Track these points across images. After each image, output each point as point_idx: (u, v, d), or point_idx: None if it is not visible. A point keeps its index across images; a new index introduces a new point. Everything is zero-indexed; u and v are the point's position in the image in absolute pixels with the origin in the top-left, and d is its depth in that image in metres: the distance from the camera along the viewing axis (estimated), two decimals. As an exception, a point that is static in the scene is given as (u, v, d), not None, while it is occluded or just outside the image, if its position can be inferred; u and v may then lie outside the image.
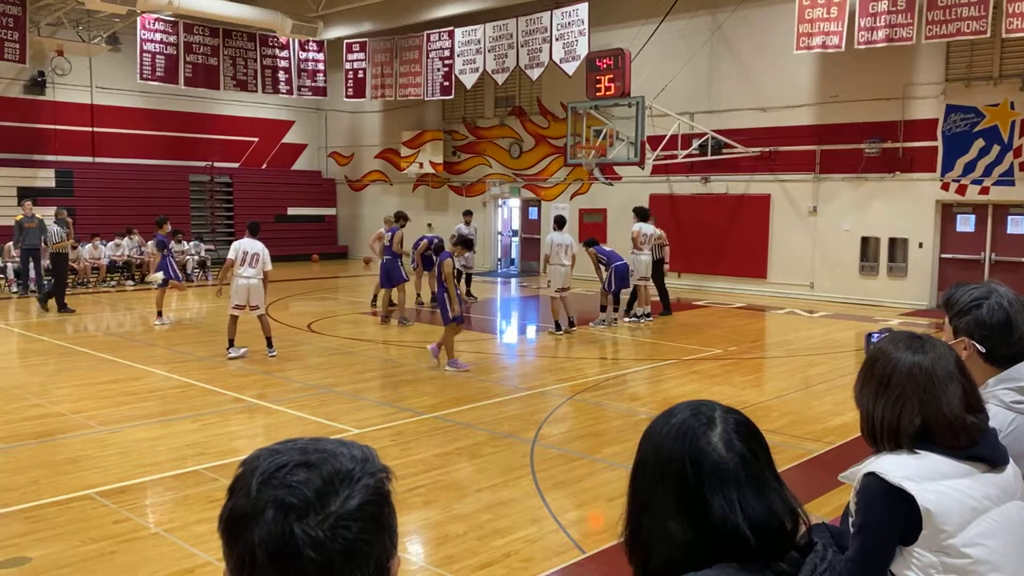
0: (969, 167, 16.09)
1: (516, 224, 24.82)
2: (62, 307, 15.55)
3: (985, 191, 15.99)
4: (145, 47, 21.04)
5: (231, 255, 11.35)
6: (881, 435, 2.06)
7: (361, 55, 23.20)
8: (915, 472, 1.96)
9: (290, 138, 28.32)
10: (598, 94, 17.35)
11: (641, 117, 16.70)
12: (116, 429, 7.78)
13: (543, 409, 8.63)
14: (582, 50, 18.20)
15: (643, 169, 18.77)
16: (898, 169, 16.92)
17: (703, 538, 1.34)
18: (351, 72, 23.40)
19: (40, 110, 22.71)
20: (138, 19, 20.69)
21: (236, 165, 26.74)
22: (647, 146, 17.49)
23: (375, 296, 15.71)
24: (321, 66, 24.22)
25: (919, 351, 2.05)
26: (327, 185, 28.80)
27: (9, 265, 18.63)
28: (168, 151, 25.05)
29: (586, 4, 18.09)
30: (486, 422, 8.10)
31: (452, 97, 22.19)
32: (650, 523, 1.39)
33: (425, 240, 16.08)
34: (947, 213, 16.74)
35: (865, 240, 17.49)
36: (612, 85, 17.09)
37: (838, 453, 7.06)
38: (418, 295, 16.58)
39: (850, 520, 2.05)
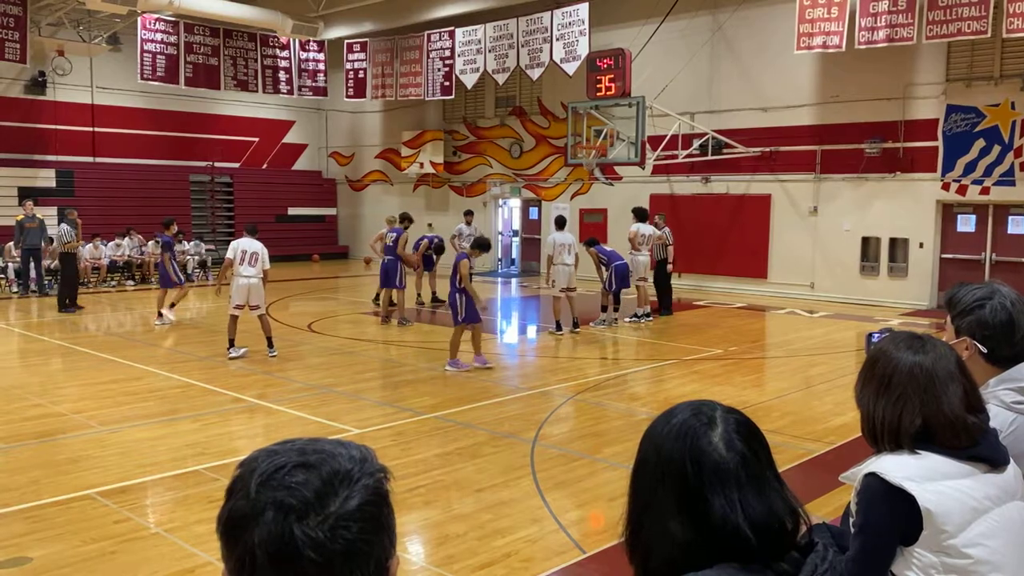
0: (970, 167, 16.09)
1: (516, 224, 24.82)
2: (63, 306, 15.56)
3: (986, 191, 15.98)
4: (146, 47, 21.04)
5: (229, 254, 11.36)
6: (882, 435, 2.06)
7: (362, 55, 23.20)
8: (916, 472, 1.96)
9: (291, 138, 28.32)
10: (599, 94, 17.35)
11: (642, 117, 16.69)
12: (116, 429, 7.78)
13: (544, 409, 8.63)
14: (583, 50, 18.20)
15: (643, 169, 18.76)
16: (899, 169, 16.91)
17: (704, 538, 1.34)
18: (351, 72, 23.40)
19: (41, 110, 22.72)
20: (139, 19, 20.69)
21: (237, 165, 26.74)
22: (647, 146, 17.49)
23: (377, 295, 15.71)
24: (322, 66, 24.21)
25: (920, 351, 2.05)
26: (328, 185, 28.80)
27: (10, 265, 18.63)
28: (169, 151, 25.06)
29: (586, 4, 18.09)
30: (487, 422, 8.10)
31: (452, 97, 22.18)
32: (651, 523, 1.39)
33: (426, 240, 16.09)
34: (948, 213, 16.74)
35: (866, 240, 17.49)
36: (613, 85, 17.09)
37: (839, 453, 7.06)
38: (418, 295, 16.58)
39: (851, 520, 2.05)
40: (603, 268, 13.83)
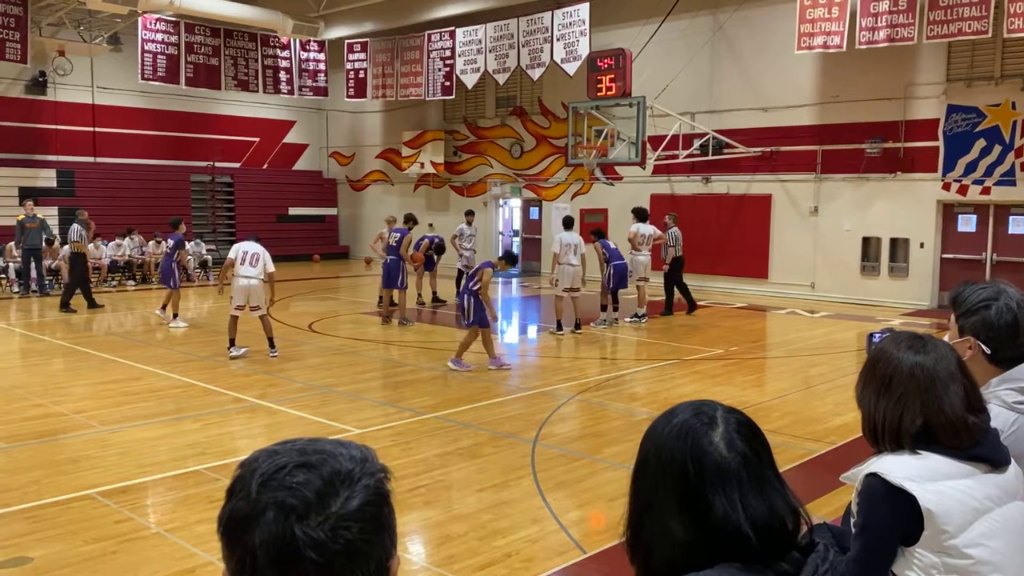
0: (970, 167, 16.08)
1: (517, 224, 24.82)
2: (64, 306, 15.60)
3: (986, 191, 15.97)
4: (146, 47, 21.05)
5: (231, 255, 11.37)
6: (882, 435, 2.06)
7: (362, 55, 23.21)
8: (917, 472, 1.96)
9: (291, 138, 28.33)
10: (599, 94, 17.35)
11: (642, 117, 16.69)
12: (117, 429, 7.78)
13: (544, 409, 8.63)
14: (583, 50, 18.19)
15: (644, 169, 18.76)
16: (899, 169, 16.91)
17: (705, 538, 1.34)
18: (352, 72, 23.40)
19: (41, 110, 22.73)
20: (139, 19, 20.70)
21: (237, 165, 26.75)
22: (648, 146, 17.49)
23: (381, 298, 15.70)
24: (322, 66, 24.22)
25: (921, 351, 2.05)
26: (328, 185, 28.80)
27: (11, 265, 18.64)
28: (169, 151, 25.07)
29: (587, 4, 18.09)
30: (487, 422, 8.10)
31: (453, 97, 22.18)
32: (652, 523, 1.39)
33: (426, 240, 16.07)
34: (948, 213, 16.73)
35: (866, 240, 17.48)
36: (613, 85, 17.09)
37: (839, 453, 7.05)
38: (419, 295, 16.58)
39: (852, 520, 2.05)
40: (605, 264, 13.85)
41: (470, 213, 18.46)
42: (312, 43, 23.83)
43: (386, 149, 26.99)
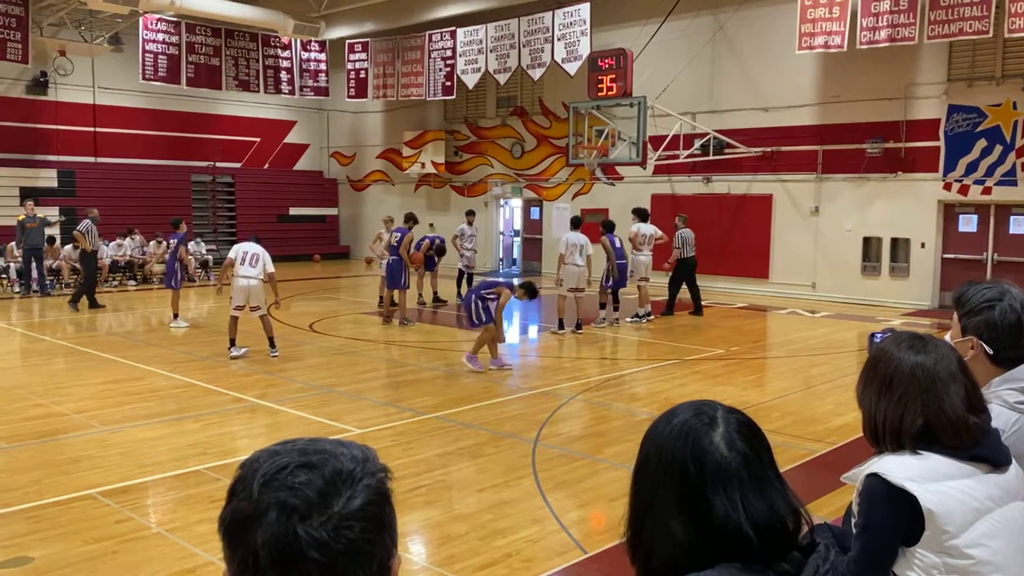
0: (971, 167, 16.08)
1: (518, 224, 24.82)
2: (93, 304, 15.84)
3: (987, 191, 15.97)
4: (147, 47, 21.06)
5: (231, 255, 11.38)
6: (883, 436, 2.06)
7: (363, 55, 23.21)
8: (917, 473, 1.96)
9: (292, 138, 28.33)
10: (600, 94, 17.35)
11: (643, 117, 16.69)
12: (118, 429, 7.78)
13: (545, 409, 8.63)
14: (584, 50, 18.19)
15: (645, 169, 18.76)
16: (900, 169, 16.90)
17: (705, 538, 1.34)
18: (353, 72, 23.40)
19: (42, 110, 22.74)
20: (140, 19, 20.71)
21: (238, 165, 26.76)
22: (649, 146, 17.49)
23: (381, 297, 15.70)
24: (323, 66, 24.23)
25: (921, 351, 2.05)
26: (329, 185, 28.81)
27: (12, 265, 18.65)
28: (170, 151, 25.08)
29: (588, 4, 18.08)
30: (488, 422, 8.10)
31: (454, 97, 22.18)
32: (652, 523, 1.39)
33: (427, 240, 16.07)
34: (949, 213, 16.73)
35: (867, 240, 17.48)
36: (614, 85, 17.09)
37: (840, 453, 7.05)
38: (419, 295, 16.58)
39: (852, 521, 2.05)
40: (608, 261, 13.88)
41: (471, 213, 18.45)
42: (313, 43, 23.84)
43: (387, 149, 27.00)
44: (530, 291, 10.75)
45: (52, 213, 19.47)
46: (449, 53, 21.14)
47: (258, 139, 27.37)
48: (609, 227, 14.14)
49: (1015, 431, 2.25)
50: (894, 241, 17.15)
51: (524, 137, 23.46)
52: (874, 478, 1.99)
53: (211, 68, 22.27)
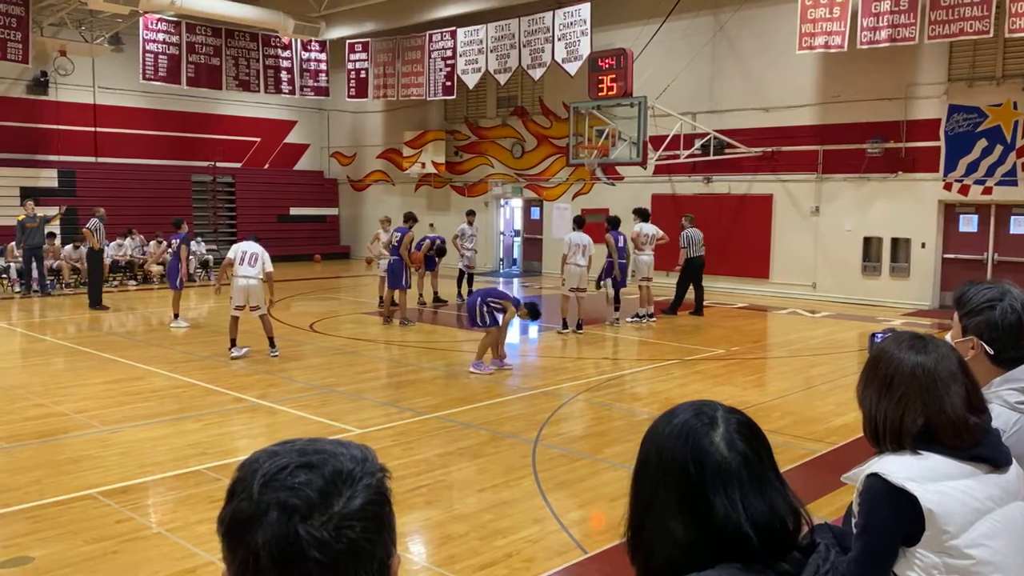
0: (972, 167, 16.07)
1: (518, 224, 24.82)
2: (96, 303, 15.98)
3: (988, 191, 15.96)
4: (147, 47, 21.07)
5: (230, 255, 11.38)
6: (884, 436, 2.06)
7: (363, 55, 23.21)
8: (918, 473, 1.96)
9: (292, 138, 28.33)
10: (600, 94, 17.35)
11: (643, 117, 16.69)
12: (118, 429, 7.78)
13: (545, 409, 8.62)
14: (584, 50, 18.19)
15: (645, 169, 18.76)
16: (900, 169, 16.90)
17: (705, 538, 1.34)
18: (353, 72, 23.41)
19: (43, 110, 22.74)
20: (140, 19, 20.72)
21: (238, 165, 26.76)
22: (649, 146, 17.49)
23: (381, 297, 15.70)
24: (323, 66, 24.23)
25: (922, 351, 2.05)
26: (329, 185, 28.81)
27: (12, 265, 18.65)
28: (170, 151, 25.08)
29: (588, 4, 18.09)
30: (488, 422, 8.10)
31: (454, 97, 22.19)
32: (652, 523, 1.39)
33: (428, 240, 16.07)
34: (950, 213, 16.72)
35: (867, 240, 17.47)
36: (614, 85, 17.09)
37: (840, 453, 7.05)
38: (420, 295, 16.58)
39: (853, 521, 2.05)
40: (609, 258, 13.91)
41: (471, 213, 18.45)
42: (313, 43, 23.84)
43: (387, 149, 27.00)
44: (533, 312, 10.72)
45: (52, 213, 19.43)
46: (449, 53, 21.14)
47: (258, 139, 27.37)
48: (614, 224, 14.16)
49: (1015, 431, 2.24)
50: (894, 241, 17.15)
51: (524, 137, 23.46)
52: (874, 478, 1.99)
53: (211, 68, 22.27)
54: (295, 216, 27.35)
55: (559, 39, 18.70)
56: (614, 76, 17.12)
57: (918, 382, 2.01)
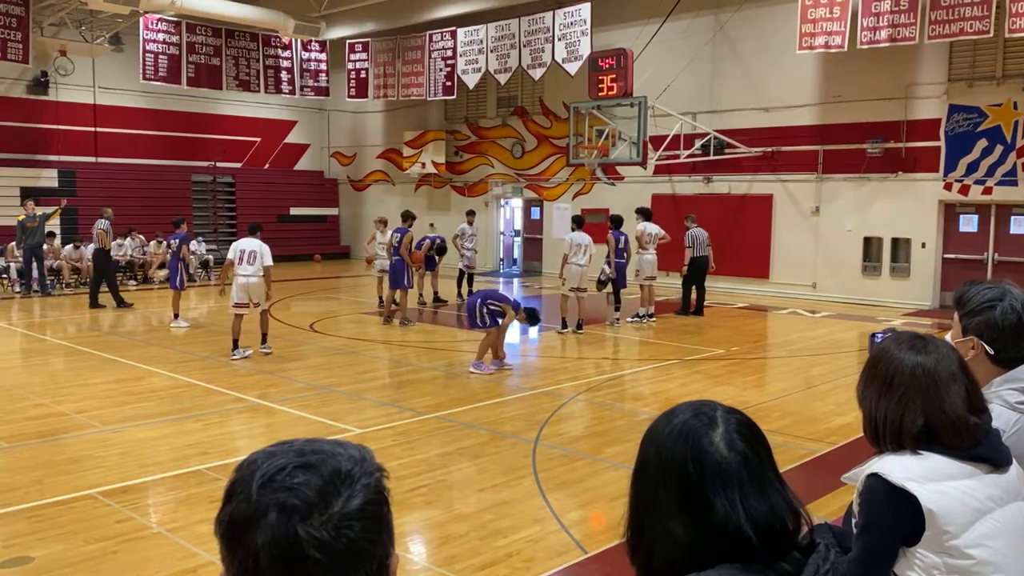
0: (972, 167, 16.07)
1: (518, 224, 24.82)
2: (94, 303, 16.03)
3: (988, 191, 15.96)
4: (148, 47, 21.07)
5: (230, 255, 11.36)
6: (884, 436, 2.06)
7: (363, 55, 23.21)
8: (918, 473, 1.96)
9: (292, 138, 28.33)
10: (600, 94, 17.35)
11: (643, 117, 16.69)
12: (118, 429, 7.78)
13: (546, 409, 8.62)
14: (584, 50, 18.19)
15: (645, 169, 18.76)
16: (901, 169, 16.90)
17: (705, 538, 1.34)
18: (353, 72, 23.40)
19: (43, 110, 22.74)
20: (141, 19, 20.72)
21: (239, 165, 26.76)
22: (649, 146, 17.49)
23: (381, 297, 15.70)
24: (323, 66, 24.23)
25: (922, 351, 2.05)
26: (329, 185, 28.81)
27: (12, 265, 18.65)
28: (171, 151, 25.08)
29: (588, 4, 18.08)
30: (488, 422, 8.10)
31: (454, 97, 22.18)
32: (652, 523, 1.39)
33: (428, 240, 16.06)
34: (950, 213, 16.72)
35: (868, 240, 17.47)
36: (614, 85, 17.09)
37: (840, 453, 7.05)
38: (420, 295, 16.58)
39: (853, 521, 2.05)
40: (608, 256, 13.92)
41: (471, 213, 18.45)
42: (313, 43, 23.84)
43: (387, 149, 27.00)
44: (531, 317, 10.70)
45: (53, 209, 19.41)
46: (449, 53, 21.14)
47: (259, 139, 27.37)
48: (617, 223, 14.16)
49: (1016, 431, 2.24)
50: (895, 241, 17.15)
51: (524, 137, 23.46)
52: (875, 478, 1.99)
53: (211, 68, 22.27)
54: (295, 216, 27.35)
55: (559, 39, 18.70)
56: (614, 76, 17.12)
57: (918, 382, 2.01)
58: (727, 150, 18.69)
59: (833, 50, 15.97)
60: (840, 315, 15.72)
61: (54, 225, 19.74)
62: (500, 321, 10.39)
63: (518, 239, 24.80)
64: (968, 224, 16.52)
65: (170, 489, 6.26)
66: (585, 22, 18.20)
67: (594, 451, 7.22)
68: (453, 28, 20.92)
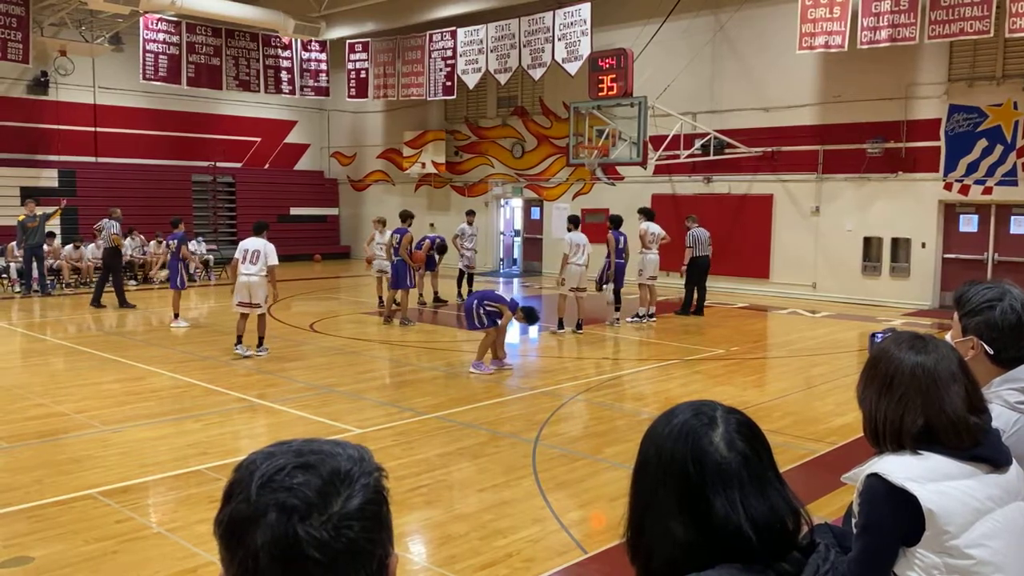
0: (972, 167, 16.07)
1: (518, 224, 24.82)
2: (96, 303, 16.01)
3: (988, 191, 15.96)
4: (148, 47, 21.07)
5: (236, 254, 11.36)
6: (884, 436, 2.06)
7: (363, 55, 23.21)
8: (918, 473, 1.96)
9: (292, 138, 28.33)
10: (600, 94, 17.35)
11: (643, 117, 16.69)
12: (118, 429, 7.78)
13: (545, 409, 8.62)
14: (584, 50, 18.19)
15: (645, 169, 18.77)
16: (901, 169, 16.90)
17: (705, 538, 1.34)
18: (353, 72, 23.41)
19: (43, 110, 22.74)
20: (141, 19, 20.72)
21: (239, 165, 26.76)
22: (649, 146, 17.49)
23: (381, 297, 15.71)
24: (323, 66, 24.23)
25: (922, 351, 2.05)
26: (329, 185, 28.81)
27: (12, 265, 18.65)
28: (171, 151, 25.08)
29: (588, 4, 18.08)
30: (488, 422, 8.10)
31: (454, 97, 22.19)
32: (652, 523, 1.39)
33: (428, 240, 16.06)
34: (950, 213, 16.72)
35: (868, 240, 17.47)
36: (614, 85, 17.09)
37: (840, 453, 7.05)
38: (420, 295, 16.58)
39: (853, 521, 2.05)
40: (610, 257, 13.92)
41: (471, 213, 18.46)
42: (313, 43, 23.84)
43: (387, 149, 27.00)
44: (529, 316, 10.68)
45: (53, 209, 19.41)
46: (449, 53, 21.14)
47: (259, 139, 27.37)
48: (617, 223, 14.16)
49: (1016, 431, 2.24)
50: (895, 241, 17.15)
51: (525, 137, 23.46)
52: (875, 478, 1.99)
53: (212, 68, 22.28)
54: (295, 216, 27.35)
55: (559, 39, 18.70)
56: (614, 76, 17.12)
57: (918, 382, 2.01)
58: (727, 150, 18.69)
59: (833, 50, 15.97)
60: (840, 315, 15.72)
61: (54, 225, 19.72)
62: (498, 322, 10.39)
63: (518, 239, 24.80)
64: (968, 224, 16.52)
65: (170, 489, 6.26)
66: (585, 22, 18.21)
67: (594, 451, 7.22)
68: (453, 28, 20.93)
